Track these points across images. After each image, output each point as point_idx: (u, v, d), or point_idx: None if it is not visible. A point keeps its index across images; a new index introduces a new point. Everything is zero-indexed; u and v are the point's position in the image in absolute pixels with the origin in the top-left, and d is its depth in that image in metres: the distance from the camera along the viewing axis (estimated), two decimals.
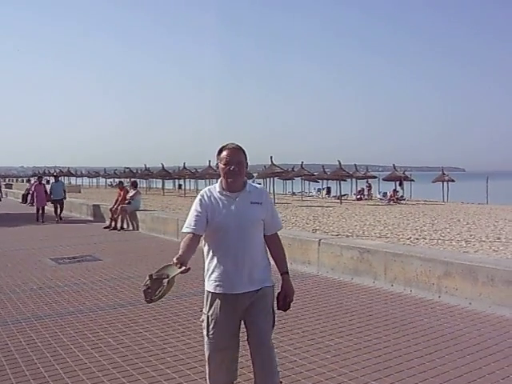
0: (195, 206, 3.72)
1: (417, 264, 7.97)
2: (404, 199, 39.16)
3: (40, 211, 20.99)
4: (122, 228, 17.61)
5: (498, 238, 14.39)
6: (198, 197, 3.76)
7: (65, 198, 21.92)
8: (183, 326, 6.49)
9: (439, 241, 13.81)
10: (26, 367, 5.21)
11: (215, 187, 3.77)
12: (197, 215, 3.67)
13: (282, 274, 3.88)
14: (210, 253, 3.76)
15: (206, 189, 3.83)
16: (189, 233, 3.65)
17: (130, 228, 17.74)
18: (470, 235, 15.24)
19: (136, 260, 11.49)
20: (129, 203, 18.04)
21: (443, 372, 4.94)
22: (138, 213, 17.77)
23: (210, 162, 44.09)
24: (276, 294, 3.86)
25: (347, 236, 14.39)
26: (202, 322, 3.84)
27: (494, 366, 5.10)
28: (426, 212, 25.83)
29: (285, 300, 3.83)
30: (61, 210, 21.34)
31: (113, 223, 17.90)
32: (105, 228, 17.91)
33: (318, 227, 16.85)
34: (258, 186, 4.00)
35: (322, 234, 13.27)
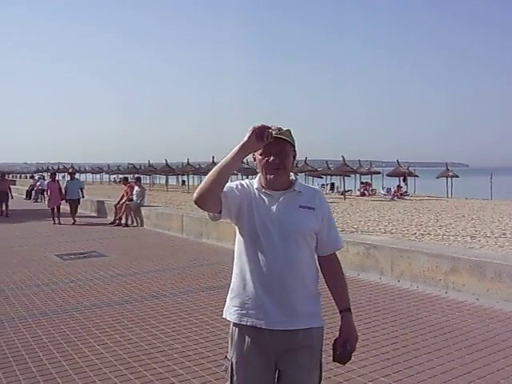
0: (230, 184, 2.74)
1: (423, 260, 7.93)
2: (408, 195, 39.12)
3: (55, 211, 18.90)
4: (126, 224, 17.60)
5: (504, 234, 14.37)
6: (237, 181, 2.82)
7: (83, 197, 19.99)
8: (190, 322, 6.47)
9: (444, 236, 13.79)
10: (33, 364, 5.20)
11: (253, 182, 2.80)
12: (231, 187, 2.69)
13: (341, 312, 2.84)
14: (240, 267, 2.74)
15: (245, 180, 2.85)
16: None
17: (135, 224, 17.73)
18: (475, 231, 15.22)
19: (141, 256, 11.47)
20: (131, 200, 18.02)
21: (452, 368, 4.91)
22: (142, 209, 17.76)
23: (213, 157, 44.02)
24: (334, 340, 2.82)
25: (352, 232, 14.37)
26: (225, 370, 2.78)
27: (503, 362, 5.07)
28: (431, 208, 25.81)
29: (345, 348, 2.77)
30: (75, 212, 19.26)
31: (117, 219, 17.91)
32: (109, 224, 17.91)
33: None
34: (312, 186, 3.03)
35: None
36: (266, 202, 2.70)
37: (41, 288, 8.42)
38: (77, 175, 21.60)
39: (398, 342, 5.68)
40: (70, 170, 24.07)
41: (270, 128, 2.52)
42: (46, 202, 19.83)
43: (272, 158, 2.66)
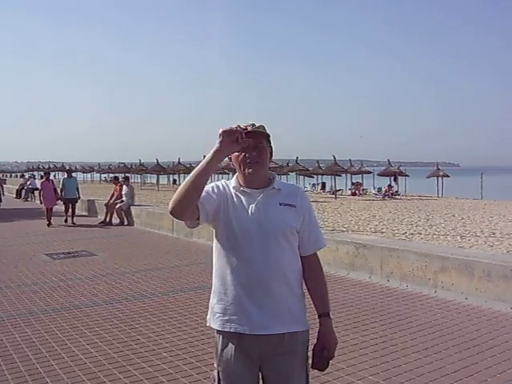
0: (205, 188, 2.55)
1: (413, 259, 7.97)
2: (399, 194, 39.22)
3: (49, 213, 17.80)
4: (121, 222, 17.57)
5: (493, 233, 14.43)
6: (214, 183, 2.70)
7: (79, 198, 18.77)
8: (179, 322, 6.46)
9: (434, 236, 13.84)
10: (22, 363, 5.18)
11: (230, 182, 2.71)
12: (206, 192, 2.55)
13: (319, 316, 2.72)
14: (219, 271, 2.63)
15: (221, 180, 2.74)
16: None
17: (126, 223, 17.69)
18: (465, 230, 15.28)
19: (131, 255, 11.45)
20: (121, 201, 17.94)
21: (440, 367, 4.94)
22: (132, 208, 17.72)
23: (204, 156, 43.99)
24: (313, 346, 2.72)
25: (342, 231, 14.40)
26: (214, 381, 2.67)
27: (491, 360, 5.10)
28: (421, 207, 25.89)
29: (322, 355, 2.67)
30: (73, 212, 18.11)
31: (108, 218, 17.87)
32: (100, 223, 17.84)
33: None
34: (291, 183, 2.93)
35: None
36: (244, 201, 2.59)
37: (30, 287, 8.39)
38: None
39: (387, 340, 5.70)
40: (67, 168, 21.86)
41: (238, 128, 2.41)
42: (39, 201, 18.77)
43: (249, 153, 2.57)
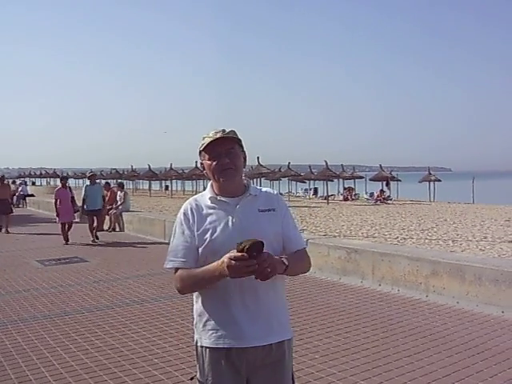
0: (178, 226, 2.59)
1: (404, 263, 7.99)
2: (391, 199, 39.29)
3: (66, 227, 14.82)
4: (110, 228, 17.50)
5: (485, 237, 14.48)
6: (181, 211, 2.61)
7: (104, 208, 15.92)
8: (171, 328, 6.45)
9: (426, 240, 13.87)
10: (12, 370, 5.15)
11: (203, 195, 2.64)
12: (184, 240, 2.55)
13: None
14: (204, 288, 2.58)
15: (191, 199, 2.65)
16: (177, 268, 2.56)
17: (117, 229, 17.64)
18: (457, 234, 15.32)
19: (123, 261, 11.42)
20: (117, 206, 17.87)
21: (431, 371, 4.95)
22: (124, 214, 17.67)
23: (196, 162, 44.04)
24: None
25: (334, 236, 14.42)
26: None
27: (482, 364, 5.12)
28: (413, 212, 25.94)
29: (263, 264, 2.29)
30: (98, 226, 15.24)
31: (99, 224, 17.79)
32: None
33: (305, 227, 16.86)
34: (266, 188, 2.77)
35: (310, 234, 13.26)
36: (223, 211, 2.53)
37: (21, 294, 8.35)
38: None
39: (379, 345, 5.70)
40: (89, 173, 17.84)
41: (243, 255, 2.24)
42: (55, 215, 15.17)
43: (221, 160, 2.51)
